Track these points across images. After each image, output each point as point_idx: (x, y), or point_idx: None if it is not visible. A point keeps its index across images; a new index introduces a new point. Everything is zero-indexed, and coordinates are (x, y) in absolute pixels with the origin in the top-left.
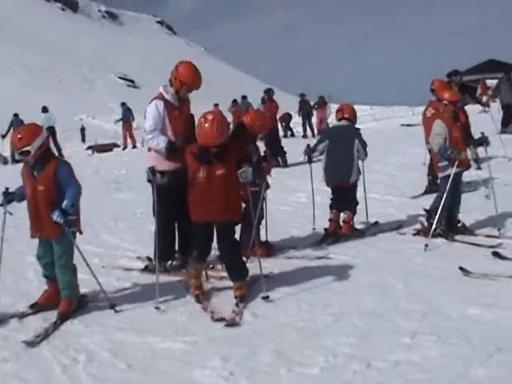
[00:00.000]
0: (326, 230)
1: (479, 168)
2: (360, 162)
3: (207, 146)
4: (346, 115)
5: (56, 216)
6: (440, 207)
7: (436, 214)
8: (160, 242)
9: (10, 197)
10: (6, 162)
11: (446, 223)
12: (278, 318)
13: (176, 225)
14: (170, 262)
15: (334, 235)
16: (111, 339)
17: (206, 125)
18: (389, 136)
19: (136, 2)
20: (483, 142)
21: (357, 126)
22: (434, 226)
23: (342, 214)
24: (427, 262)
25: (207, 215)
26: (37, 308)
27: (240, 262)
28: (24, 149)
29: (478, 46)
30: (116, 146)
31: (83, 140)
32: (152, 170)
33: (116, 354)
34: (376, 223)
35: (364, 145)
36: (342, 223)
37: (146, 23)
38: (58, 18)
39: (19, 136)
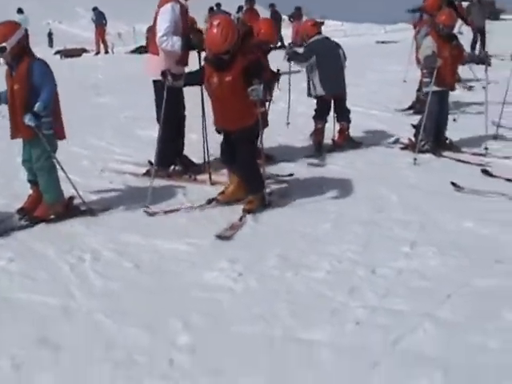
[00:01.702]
0: (317, 142)
1: (466, 87)
2: None
3: (214, 52)
4: (320, 30)
5: (28, 119)
6: (425, 123)
7: (423, 130)
8: (164, 146)
9: None
10: None
11: (434, 139)
12: (279, 224)
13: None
14: (172, 167)
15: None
16: (115, 240)
17: (213, 30)
18: (364, 52)
19: None
20: (484, 60)
21: None
22: (421, 142)
23: (339, 123)
24: (417, 175)
25: (222, 123)
26: (23, 213)
27: (254, 173)
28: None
29: None
30: (85, 51)
31: (51, 45)
32: (166, 73)
33: (121, 254)
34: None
35: (345, 55)
36: (337, 133)
37: None
38: None
39: None
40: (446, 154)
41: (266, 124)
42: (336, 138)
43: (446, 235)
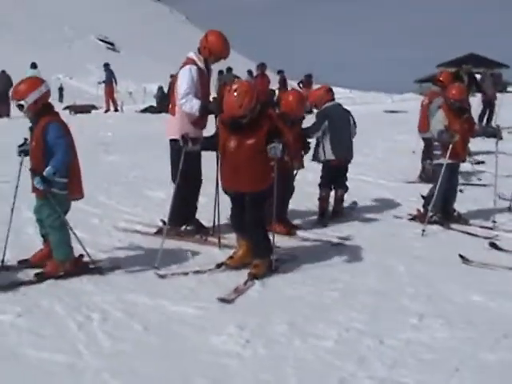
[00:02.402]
0: (322, 210)
1: (474, 161)
2: None
3: (231, 116)
4: (334, 96)
5: (36, 182)
6: (436, 195)
7: (432, 201)
8: (178, 205)
9: (23, 148)
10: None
11: (442, 211)
12: (286, 291)
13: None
14: (184, 227)
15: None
16: (123, 299)
17: (229, 95)
18: (374, 121)
19: None
20: (496, 134)
21: None
22: (430, 213)
23: (336, 191)
24: (426, 246)
25: (236, 185)
26: (26, 265)
27: (263, 238)
28: (18, 102)
29: (457, 40)
30: (94, 107)
31: (61, 100)
32: (186, 138)
33: (130, 315)
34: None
35: (355, 122)
36: (334, 200)
37: None
38: None
39: (17, 88)
40: (454, 226)
41: (301, 165)
42: (334, 206)
43: (453, 307)
